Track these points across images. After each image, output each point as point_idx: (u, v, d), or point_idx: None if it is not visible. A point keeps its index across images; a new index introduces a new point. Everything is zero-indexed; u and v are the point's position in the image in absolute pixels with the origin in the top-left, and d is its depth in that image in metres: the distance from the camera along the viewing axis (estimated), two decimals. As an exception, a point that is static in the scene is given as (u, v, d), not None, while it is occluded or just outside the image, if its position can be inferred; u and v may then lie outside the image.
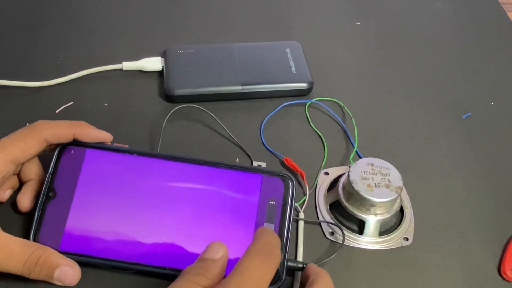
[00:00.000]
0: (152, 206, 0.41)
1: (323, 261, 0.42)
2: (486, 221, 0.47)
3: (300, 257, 0.42)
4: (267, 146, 0.51)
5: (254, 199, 0.41)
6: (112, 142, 0.44)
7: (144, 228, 0.40)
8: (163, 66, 0.57)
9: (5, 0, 0.65)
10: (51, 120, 0.42)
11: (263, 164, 0.48)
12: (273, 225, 0.40)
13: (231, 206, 0.41)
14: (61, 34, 0.61)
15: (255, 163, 0.48)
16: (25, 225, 0.42)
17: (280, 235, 0.40)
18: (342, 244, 0.42)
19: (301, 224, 0.45)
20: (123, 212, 0.41)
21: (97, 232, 0.40)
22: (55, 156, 0.42)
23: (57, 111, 0.53)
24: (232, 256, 0.38)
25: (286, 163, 0.49)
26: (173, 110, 0.51)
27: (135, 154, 0.43)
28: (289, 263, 0.40)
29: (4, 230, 0.39)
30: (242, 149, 0.50)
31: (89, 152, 0.43)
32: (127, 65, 0.57)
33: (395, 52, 0.63)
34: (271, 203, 0.41)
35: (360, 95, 0.57)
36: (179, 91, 0.54)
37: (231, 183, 0.42)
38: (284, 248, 0.40)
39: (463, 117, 0.56)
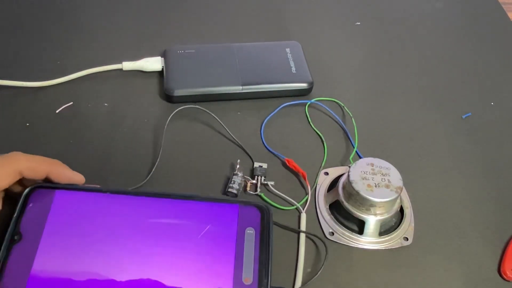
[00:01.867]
0: (127, 243, 0.39)
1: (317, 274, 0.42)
2: (486, 221, 0.47)
3: (301, 257, 0.43)
4: (268, 147, 0.51)
5: (232, 229, 0.40)
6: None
7: (118, 266, 0.38)
8: (163, 66, 0.57)
9: (5, 0, 0.65)
10: (27, 154, 0.40)
11: (264, 165, 0.48)
12: (253, 252, 0.39)
13: (209, 237, 0.40)
14: (61, 34, 0.61)
15: (256, 164, 0.48)
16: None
17: (261, 261, 0.39)
18: (326, 256, 0.42)
19: (303, 221, 0.45)
20: (94, 252, 0.38)
21: (66, 272, 0.37)
22: (22, 199, 0.40)
23: (57, 111, 0.53)
24: (213, 286, 0.38)
25: (288, 164, 0.49)
26: (175, 111, 0.51)
27: (107, 193, 0.41)
28: None
29: None
30: (244, 150, 0.50)
31: (58, 193, 0.40)
32: (127, 65, 0.57)
33: (395, 52, 0.63)
34: (249, 232, 0.40)
35: (360, 95, 0.57)
36: (179, 91, 0.54)
37: (207, 215, 0.41)
38: (266, 274, 0.38)
39: (463, 117, 0.56)
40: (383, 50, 0.63)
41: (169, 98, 0.54)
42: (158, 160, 0.48)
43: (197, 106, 0.52)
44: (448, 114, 0.56)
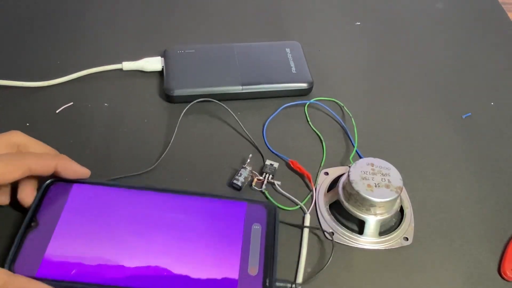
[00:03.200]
0: (138, 234, 0.41)
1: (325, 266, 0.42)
2: (486, 221, 0.47)
3: (303, 257, 0.43)
4: (270, 147, 0.51)
5: (240, 224, 0.43)
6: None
7: (128, 254, 0.40)
8: (163, 66, 0.57)
9: (5, 0, 0.65)
10: (36, 152, 0.42)
11: (275, 164, 0.48)
12: (259, 246, 0.41)
13: (218, 231, 0.42)
14: (61, 34, 0.61)
15: (268, 162, 0.48)
16: (3, 252, 0.40)
17: (266, 254, 0.41)
18: (333, 242, 0.42)
19: (307, 222, 0.45)
20: (106, 240, 0.40)
21: (78, 258, 0.39)
22: (41, 190, 0.42)
23: (57, 111, 0.53)
24: (219, 276, 0.39)
25: (292, 166, 0.48)
26: (188, 106, 0.51)
27: (121, 188, 0.44)
28: (278, 284, 0.40)
29: None
30: (256, 147, 0.50)
31: (75, 186, 0.43)
32: (127, 65, 0.57)
33: (395, 52, 0.63)
34: (255, 227, 0.43)
35: (360, 95, 0.57)
36: (179, 91, 0.54)
37: (217, 210, 0.43)
38: (271, 266, 0.40)
39: (463, 117, 0.56)
40: (383, 50, 0.63)
41: (169, 98, 0.54)
42: (164, 153, 0.48)
43: (214, 100, 0.52)
44: (448, 114, 0.56)
